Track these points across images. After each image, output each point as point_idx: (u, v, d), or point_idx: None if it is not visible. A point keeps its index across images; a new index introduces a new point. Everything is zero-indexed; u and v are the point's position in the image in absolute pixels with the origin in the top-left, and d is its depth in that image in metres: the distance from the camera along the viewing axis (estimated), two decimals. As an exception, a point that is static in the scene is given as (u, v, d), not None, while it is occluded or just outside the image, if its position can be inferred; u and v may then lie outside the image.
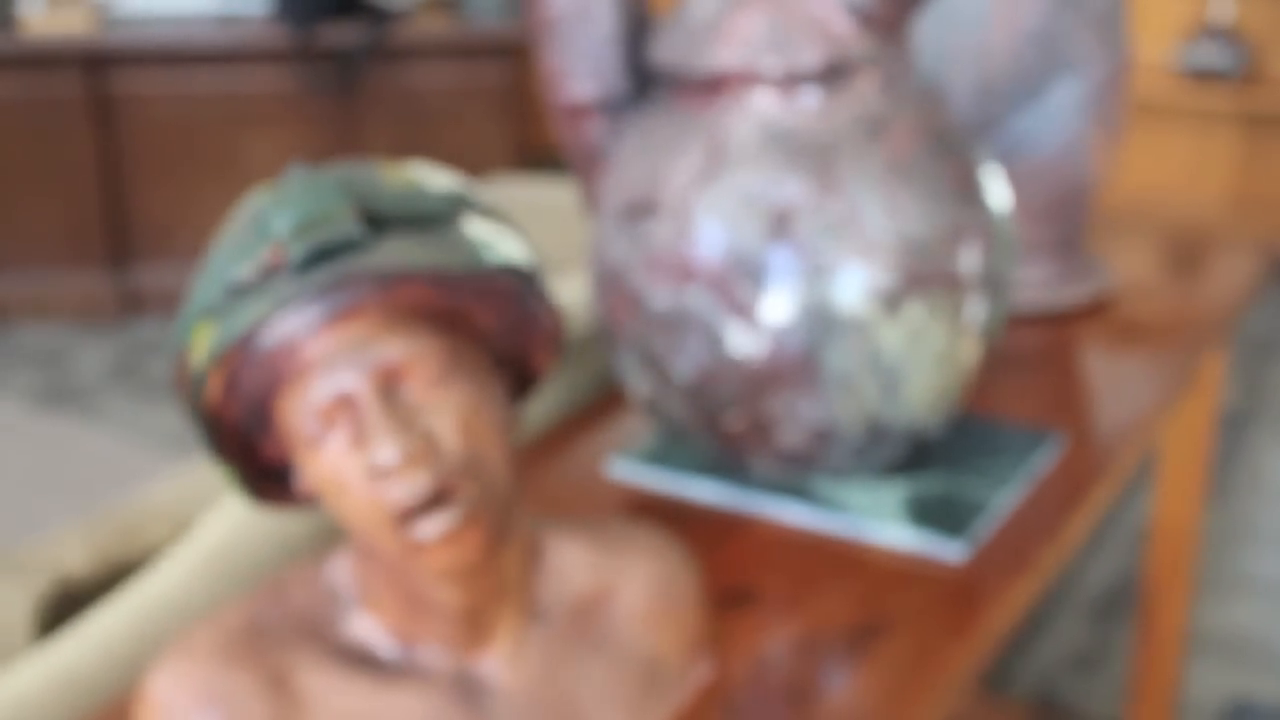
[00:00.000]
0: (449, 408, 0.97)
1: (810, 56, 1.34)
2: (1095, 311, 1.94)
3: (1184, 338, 1.87)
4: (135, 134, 4.57)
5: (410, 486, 0.94)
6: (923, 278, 1.34)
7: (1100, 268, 2.00)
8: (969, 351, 1.41)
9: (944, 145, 1.39)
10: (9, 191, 4.54)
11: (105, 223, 4.57)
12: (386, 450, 0.94)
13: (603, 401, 1.68)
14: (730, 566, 1.38)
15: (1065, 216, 1.89)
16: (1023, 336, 1.85)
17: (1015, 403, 1.68)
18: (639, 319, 1.40)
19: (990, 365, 1.73)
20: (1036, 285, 1.92)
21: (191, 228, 4.62)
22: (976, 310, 1.39)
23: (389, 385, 0.96)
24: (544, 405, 1.65)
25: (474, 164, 4.61)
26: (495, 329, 1.03)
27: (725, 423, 1.40)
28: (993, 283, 1.40)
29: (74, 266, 4.62)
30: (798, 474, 1.45)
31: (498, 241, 0.99)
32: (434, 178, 1.02)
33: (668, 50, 1.40)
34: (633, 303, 1.40)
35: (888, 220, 1.33)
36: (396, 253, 0.94)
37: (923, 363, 1.37)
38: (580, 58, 1.46)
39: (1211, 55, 4.89)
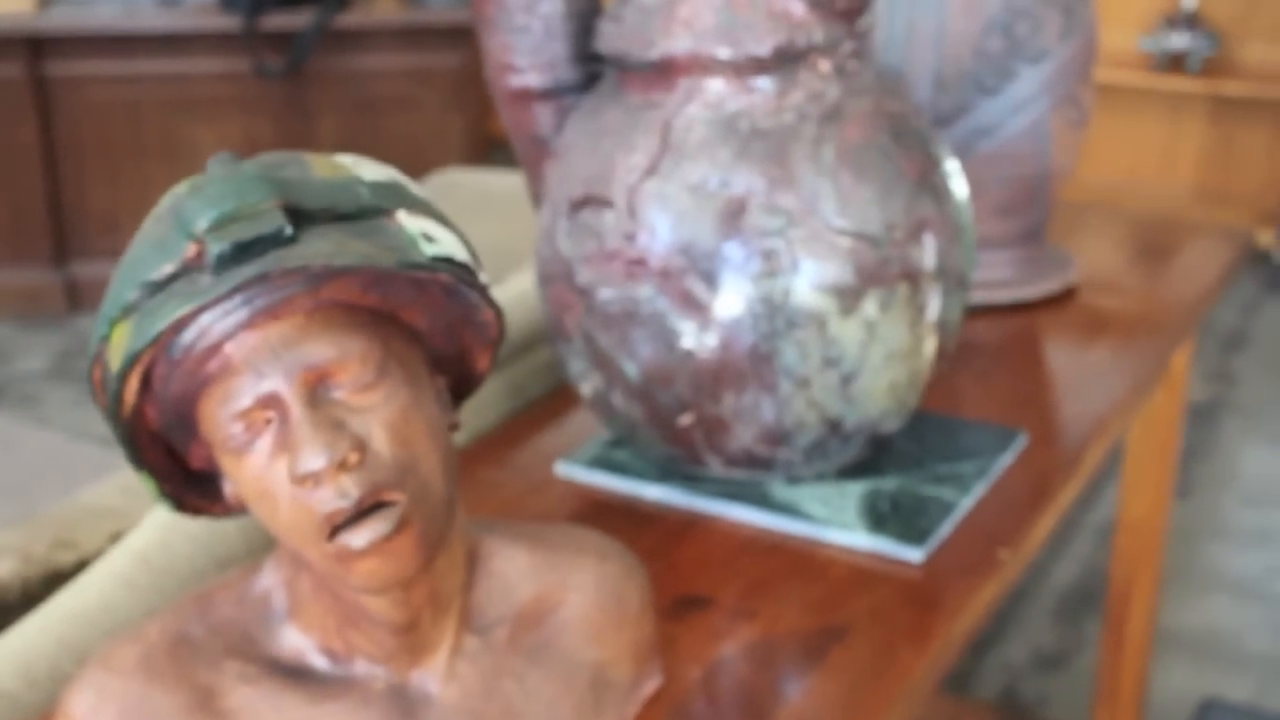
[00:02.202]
0: (380, 411, 0.92)
1: (763, 42, 1.29)
2: (1061, 304, 1.90)
3: (1152, 331, 1.83)
4: (78, 123, 4.49)
5: (338, 495, 0.89)
6: (880, 272, 1.30)
7: (1065, 259, 1.96)
8: (928, 348, 1.36)
9: (902, 135, 1.34)
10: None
11: (49, 214, 4.50)
12: (313, 457, 0.89)
13: (553, 397, 1.64)
14: (683, 571, 1.33)
15: (1029, 207, 1.85)
16: (986, 330, 1.81)
17: (978, 399, 1.63)
18: (586, 314, 1.35)
19: (951, 360, 1.69)
20: (1000, 278, 1.88)
21: (137, 219, 4.55)
22: (935, 305, 1.35)
23: (316, 388, 0.91)
24: (492, 402, 1.60)
25: (430, 152, 4.55)
26: (431, 327, 0.98)
27: (676, 422, 1.35)
28: (952, 276, 1.36)
29: (16, 260, 4.54)
30: (752, 474, 1.41)
31: (433, 236, 0.94)
32: (367, 169, 0.97)
33: (615, 36, 1.35)
34: (579, 297, 1.35)
35: (843, 212, 1.28)
36: (323, 248, 0.89)
37: (880, 359, 1.32)
38: (526, 42, 1.41)
39: (1180, 41, 4.87)
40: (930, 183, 1.34)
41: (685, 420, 1.35)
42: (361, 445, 0.90)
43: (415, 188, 0.99)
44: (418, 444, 0.93)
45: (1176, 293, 1.96)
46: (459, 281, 0.94)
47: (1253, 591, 3.10)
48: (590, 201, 1.33)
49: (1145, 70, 4.96)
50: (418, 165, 4.46)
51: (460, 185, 2.96)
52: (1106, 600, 2.31)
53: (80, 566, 1.60)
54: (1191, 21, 4.87)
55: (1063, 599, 3.11)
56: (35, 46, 4.42)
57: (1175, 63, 4.95)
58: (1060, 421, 1.59)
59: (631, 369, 1.34)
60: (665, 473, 1.45)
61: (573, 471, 1.48)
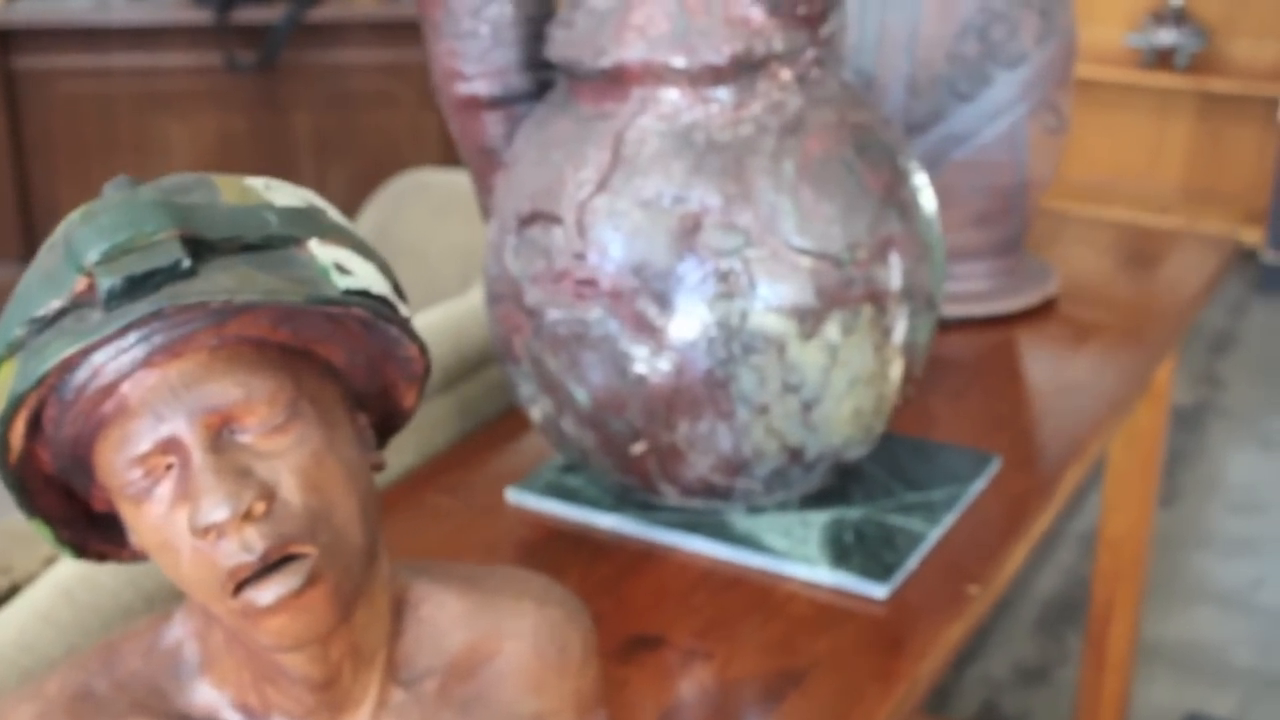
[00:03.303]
0: (291, 456, 0.85)
1: (719, 50, 1.22)
2: (1039, 317, 1.83)
3: (1134, 344, 1.76)
4: (48, 118, 4.41)
5: (242, 548, 0.82)
6: (842, 293, 1.23)
7: (1045, 270, 1.89)
8: (894, 372, 1.29)
9: (868, 147, 1.27)
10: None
11: (18, 211, 4.42)
12: (215, 507, 0.82)
13: (508, 417, 1.56)
14: (636, 607, 1.26)
15: (1006, 217, 1.78)
16: (961, 345, 1.74)
17: (951, 419, 1.57)
18: (534, 336, 1.28)
19: (923, 380, 1.62)
20: (976, 290, 1.81)
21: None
22: (902, 327, 1.28)
23: (221, 431, 0.84)
24: (444, 423, 1.53)
25: (406, 148, 4.46)
26: (349, 363, 0.91)
27: (629, 450, 1.29)
28: (920, 297, 1.29)
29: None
30: (710, 504, 1.34)
31: (347, 267, 0.87)
32: (280, 193, 0.90)
33: (565, 43, 1.28)
34: (528, 319, 1.28)
35: (804, 230, 1.21)
36: (224, 282, 0.82)
37: (843, 385, 1.25)
38: (473, 48, 1.34)
39: (1168, 37, 4.80)
40: (897, 198, 1.27)
41: (638, 449, 1.28)
42: (269, 493, 0.83)
43: (333, 214, 0.92)
44: (332, 490, 0.86)
45: (1160, 303, 1.89)
46: (375, 316, 0.87)
47: (1238, 603, 3.04)
48: (538, 218, 1.27)
49: (1132, 67, 4.89)
50: (393, 161, 4.38)
51: (430, 186, 2.89)
52: (1088, 616, 2.24)
53: (13, 591, 1.53)
54: (1179, 17, 4.81)
55: (1045, 609, 3.05)
56: (3, 40, 4.34)
57: (1163, 59, 4.88)
58: (1037, 443, 1.52)
59: (581, 395, 1.27)
60: (620, 500, 1.38)
61: (524, 498, 1.41)
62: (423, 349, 0.92)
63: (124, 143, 4.43)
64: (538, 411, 1.34)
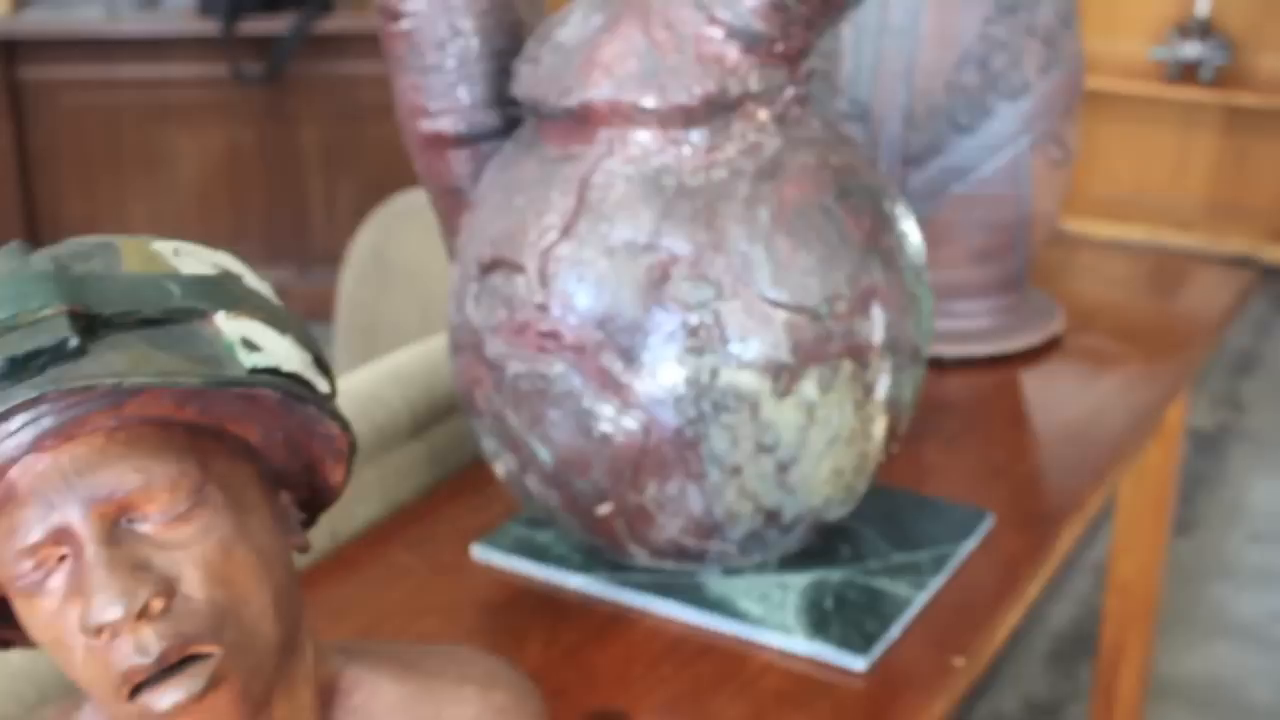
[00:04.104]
0: (194, 547, 0.78)
1: (690, 90, 1.15)
2: (1042, 356, 1.75)
3: (1145, 382, 1.69)
4: (54, 129, 4.36)
5: (137, 650, 0.76)
6: (820, 348, 1.16)
7: (1049, 307, 1.81)
8: (877, 429, 1.22)
9: (850, 192, 1.20)
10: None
11: (24, 223, 4.37)
12: (107, 606, 0.75)
13: (477, 466, 1.49)
14: (601, 678, 1.19)
15: (1007, 252, 1.71)
16: (958, 388, 1.67)
17: (944, 470, 1.49)
18: (495, 390, 1.21)
19: (916, 427, 1.54)
20: (975, 329, 1.73)
21: (115, 228, 4.42)
22: (885, 383, 1.20)
23: (118, 521, 0.77)
24: (411, 471, 1.46)
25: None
26: (266, 441, 0.84)
27: (594, 511, 1.22)
28: (904, 351, 1.22)
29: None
30: (683, 566, 1.27)
31: (256, 343, 0.80)
32: (189, 260, 0.83)
33: (531, 80, 1.21)
34: (489, 371, 1.21)
35: (779, 282, 1.14)
36: (115, 363, 0.75)
37: (821, 444, 1.18)
38: (438, 83, 1.27)
39: (1193, 50, 4.71)
40: (880, 246, 1.20)
41: (604, 510, 1.21)
42: (168, 589, 0.77)
43: (248, 280, 0.85)
44: (241, 583, 0.80)
45: (1174, 337, 1.81)
46: (286, 396, 0.80)
47: (1258, 637, 2.95)
48: (500, 265, 1.20)
49: (1156, 80, 4.80)
50: (402, 173, 4.30)
51: (427, 206, 2.82)
52: (1097, 659, 2.17)
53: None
54: (1204, 30, 4.72)
55: (1057, 641, 2.97)
56: (9, 50, 4.29)
57: (1187, 73, 4.79)
58: (1034, 495, 1.45)
59: (544, 453, 1.20)
60: (590, 559, 1.31)
61: (490, 555, 1.34)
62: (344, 426, 0.85)
63: (130, 154, 4.38)
64: (501, 467, 1.27)
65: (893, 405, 1.22)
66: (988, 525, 1.37)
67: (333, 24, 4.24)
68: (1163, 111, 4.93)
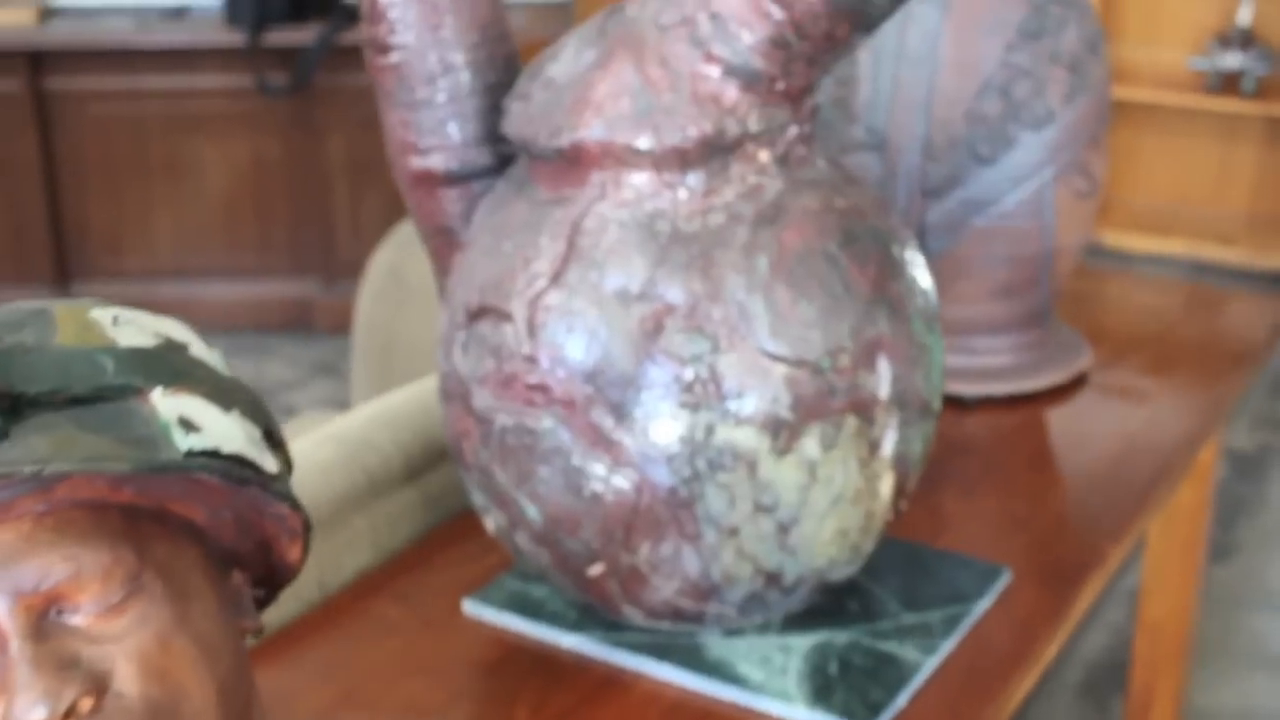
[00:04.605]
0: (129, 640, 0.73)
1: (685, 131, 1.09)
2: (1068, 395, 1.69)
3: (1176, 421, 1.62)
4: (80, 139, 4.32)
5: (64, 752, 0.70)
6: (822, 404, 1.10)
7: (1076, 343, 1.74)
8: (884, 487, 1.16)
9: (856, 237, 1.14)
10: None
11: (50, 233, 4.34)
12: (31, 706, 0.70)
13: (471, 514, 1.44)
14: (591, 747, 1.13)
15: (1030, 288, 1.64)
16: (978, 429, 1.60)
17: (960, 520, 1.43)
18: (482, 444, 1.15)
19: (933, 472, 1.48)
20: (997, 366, 1.66)
21: (141, 238, 4.38)
22: (892, 439, 1.14)
23: (46, 613, 0.72)
24: (405, 517, 1.41)
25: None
26: (213, 520, 0.79)
27: (586, 572, 1.16)
28: (913, 405, 1.16)
29: (16, 280, 4.38)
30: (680, 627, 1.21)
31: (194, 422, 0.75)
32: (129, 330, 0.78)
33: (522, 118, 1.15)
34: (476, 424, 1.15)
35: (778, 334, 1.08)
36: (38, 447, 0.70)
37: (824, 504, 1.12)
38: (428, 119, 1.21)
39: (1234, 60, 4.62)
40: (887, 295, 1.14)
41: (595, 570, 1.15)
42: (99, 687, 0.72)
43: (194, 349, 0.79)
44: (180, 676, 0.74)
45: (1207, 374, 1.74)
46: (225, 480, 0.75)
47: (1297, 668, 2.87)
48: (487, 313, 1.14)
49: (1196, 91, 4.71)
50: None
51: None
52: (1127, 699, 2.09)
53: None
54: (1246, 40, 4.62)
55: (1090, 671, 2.89)
56: (36, 60, 4.27)
57: (1229, 83, 4.70)
58: (1054, 550, 1.38)
59: (532, 511, 1.14)
60: (585, 617, 1.26)
61: (482, 611, 1.28)
62: (294, 506, 0.80)
63: (156, 165, 4.35)
64: (491, 522, 1.21)
65: (900, 462, 1.16)
66: (1004, 581, 1.31)
67: (357, 34, 4.19)
68: (1203, 123, 4.84)
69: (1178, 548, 1.93)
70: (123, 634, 0.73)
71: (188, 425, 0.74)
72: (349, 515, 1.35)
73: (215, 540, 0.80)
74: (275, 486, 0.78)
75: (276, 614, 1.29)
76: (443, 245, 1.25)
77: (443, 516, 1.44)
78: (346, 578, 1.35)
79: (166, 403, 0.75)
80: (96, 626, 0.73)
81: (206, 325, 4.39)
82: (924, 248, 1.60)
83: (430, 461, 1.43)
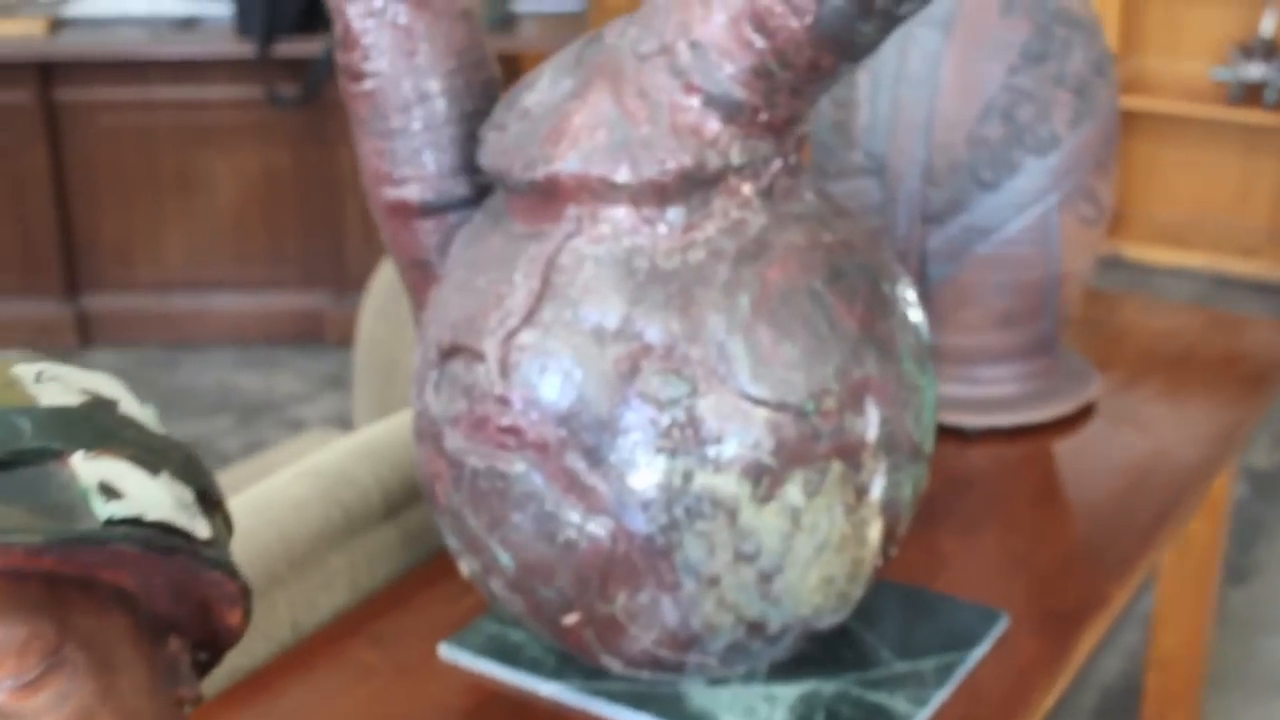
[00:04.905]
0: (47, 717, 0.69)
1: (664, 165, 1.04)
2: (1074, 426, 1.64)
3: (1184, 458, 1.56)
4: (90, 150, 4.30)
5: (-26, 840, 0.66)
6: (805, 449, 1.05)
7: (1084, 371, 1.69)
8: (872, 534, 1.11)
9: (843, 274, 1.09)
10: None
11: (60, 245, 4.31)
12: (-61, 791, 0.66)
13: (448, 556, 1.39)
14: (565, 804, 1.09)
15: (1035, 316, 1.59)
16: (980, 462, 1.55)
17: (957, 560, 1.38)
18: (454, 487, 1.11)
19: (932, 507, 1.43)
20: (1000, 397, 1.61)
21: (151, 250, 4.35)
22: (880, 484, 1.10)
23: (-42, 688, 0.68)
24: (384, 555, 1.37)
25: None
26: (146, 586, 0.75)
27: (561, 620, 1.11)
28: (903, 447, 1.11)
29: (26, 292, 4.36)
30: (661, 676, 1.17)
31: (116, 488, 0.70)
32: (52, 388, 0.73)
33: (497, 149, 1.11)
34: (448, 467, 1.11)
35: (759, 377, 1.04)
36: None
37: (808, 552, 1.07)
38: (404, 148, 1.17)
39: (1257, 71, 4.56)
40: (876, 334, 1.09)
41: (570, 620, 1.11)
42: (17, 768, 0.67)
43: (123, 407, 0.75)
44: (104, 755, 0.70)
45: (1220, 404, 1.69)
46: (147, 549, 0.70)
47: (1317, 696, 2.81)
48: (459, 352, 1.10)
49: (1218, 102, 4.64)
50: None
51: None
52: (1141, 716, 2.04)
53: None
54: (1268, 51, 4.56)
55: (1105, 697, 2.83)
56: (46, 71, 4.24)
57: (1251, 94, 4.63)
58: (1055, 593, 1.33)
59: (505, 558, 1.10)
60: (564, 664, 1.21)
61: (458, 656, 1.24)
62: (230, 573, 0.75)
63: (166, 176, 4.32)
64: (465, 567, 1.17)
65: (889, 507, 1.12)
66: (1002, 627, 1.26)
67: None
68: (1225, 134, 4.78)
69: (1191, 576, 1.88)
70: (41, 711, 0.69)
71: (109, 491, 0.70)
72: (325, 554, 1.31)
73: (148, 607, 0.76)
74: (207, 553, 0.73)
75: (248, 657, 1.24)
76: (419, 278, 1.21)
77: (422, 555, 1.39)
78: (322, 618, 1.31)
79: (87, 467, 0.70)
80: (13, 704, 0.69)
81: (216, 337, 4.37)
82: (925, 275, 1.55)
83: (410, 497, 1.39)
